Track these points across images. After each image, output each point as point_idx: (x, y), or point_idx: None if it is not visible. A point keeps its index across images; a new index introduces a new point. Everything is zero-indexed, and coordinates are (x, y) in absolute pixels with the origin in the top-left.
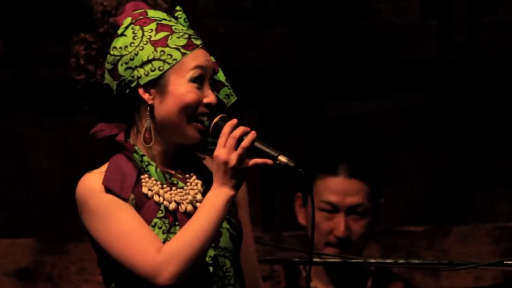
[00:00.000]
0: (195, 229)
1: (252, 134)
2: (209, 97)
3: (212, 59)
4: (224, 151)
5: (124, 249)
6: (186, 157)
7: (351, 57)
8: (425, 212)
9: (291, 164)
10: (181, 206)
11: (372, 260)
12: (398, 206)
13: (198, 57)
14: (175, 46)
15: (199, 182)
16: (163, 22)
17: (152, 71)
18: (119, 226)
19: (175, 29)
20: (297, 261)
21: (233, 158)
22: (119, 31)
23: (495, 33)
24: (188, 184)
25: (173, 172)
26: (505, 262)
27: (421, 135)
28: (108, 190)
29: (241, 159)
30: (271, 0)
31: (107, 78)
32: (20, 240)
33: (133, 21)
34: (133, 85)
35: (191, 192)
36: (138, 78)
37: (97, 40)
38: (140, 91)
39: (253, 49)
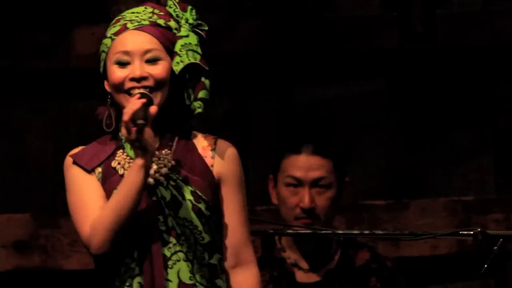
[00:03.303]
0: (111, 203)
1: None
2: (134, 72)
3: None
4: (123, 130)
5: (75, 222)
6: (169, 133)
7: (318, 46)
8: (386, 187)
9: (142, 121)
10: None
11: (340, 231)
12: (362, 182)
13: (123, 40)
14: (109, 35)
15: (169, 157)
16: (124, 15)
17: (100, 62)
18: (76, 198)
19: (123, 19)
20: (271, 232)
21: (123, 132)
22: None
23: (450, 24)
24: (155, 158)
25: None
26: (460, 232)
27: (383, 117)
28: (75, 163)
29: (129, 132)
30: None
31: None
32: (17, 215)
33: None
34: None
35: (156, 165)
36: (100, 72)
37: None
38: (105, 82)
39: (228, 40)
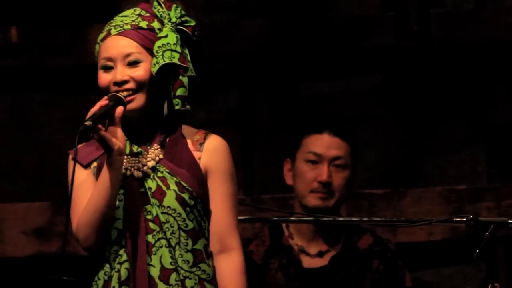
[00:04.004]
0: (89, 200)
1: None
2: (116, 77)
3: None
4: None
5: (71, 215)
6: (160, 129)
7: (320, 43)
8: (384, 177)
9: (88, 123)
10: (128, 171)
11: (340, 219)
12: (361, 172)
13: (106, 46)
14: (98, 41)
15: (157, 151)
16: (114, 19)
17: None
18: (71, 193)
19: (110, 24)
20: (275, 219)
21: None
22: None
23: (444, 23)
24: (145, 153)
25: (142, 143)
26: (453, 219)
27: (380, 111)
28: (73, 159)
29: (93, 134)
30: None
31: None
32: (36, 203)
33: None
34: None
35: (143, 159)
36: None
37: None
38: None
39: (235, 38)
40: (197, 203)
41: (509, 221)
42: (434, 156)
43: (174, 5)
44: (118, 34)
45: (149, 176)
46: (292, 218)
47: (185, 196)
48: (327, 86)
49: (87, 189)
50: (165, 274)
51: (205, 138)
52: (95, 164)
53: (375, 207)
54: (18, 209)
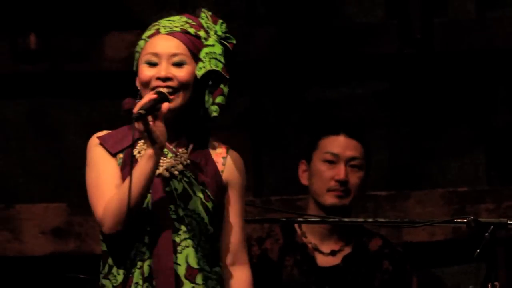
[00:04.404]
0: (123, 187)
1: (136, 107)
2: (160, 73)
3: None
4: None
5: (91, 198)
6: (190, 136)
7: (326, 51)
8: (388, 179)
9: (142, 111)
10: (157, 170)
11: (346, 219)
12: None
13: (153, 43)
14: (144, 38)
15: (185, 156)
16: (160, 21)
17: (134, 61)
18: (95, 176)
19: (158, 24)
20: (283, 220)
21: (139, 127)
22: None
23: (446, 31)
24: (173, 155)
25: (167, 144)
26: (455, 220)
27: (385, 115)
28: (100, 145)
29: (140, 126)
30: (259, 2)
31: None
32: (54, 204)
33: None
34: None
35: (173, 161)
36: (134, 70)
37: None
38: (136, 79)
39: (245, 45)
40: (217, 212)
41: (509, 222)
42: (436, 159)
43: (220, 21)
44: (168, 34)
45: (175, 178)
46: (299, 219)
47: (209, 204)
48: (334, 91)
49: (114, 176)
50: (191, 273)
51: (227, 153)
52: (121, 155)
53: (380, 208)
54: (36, 210)
